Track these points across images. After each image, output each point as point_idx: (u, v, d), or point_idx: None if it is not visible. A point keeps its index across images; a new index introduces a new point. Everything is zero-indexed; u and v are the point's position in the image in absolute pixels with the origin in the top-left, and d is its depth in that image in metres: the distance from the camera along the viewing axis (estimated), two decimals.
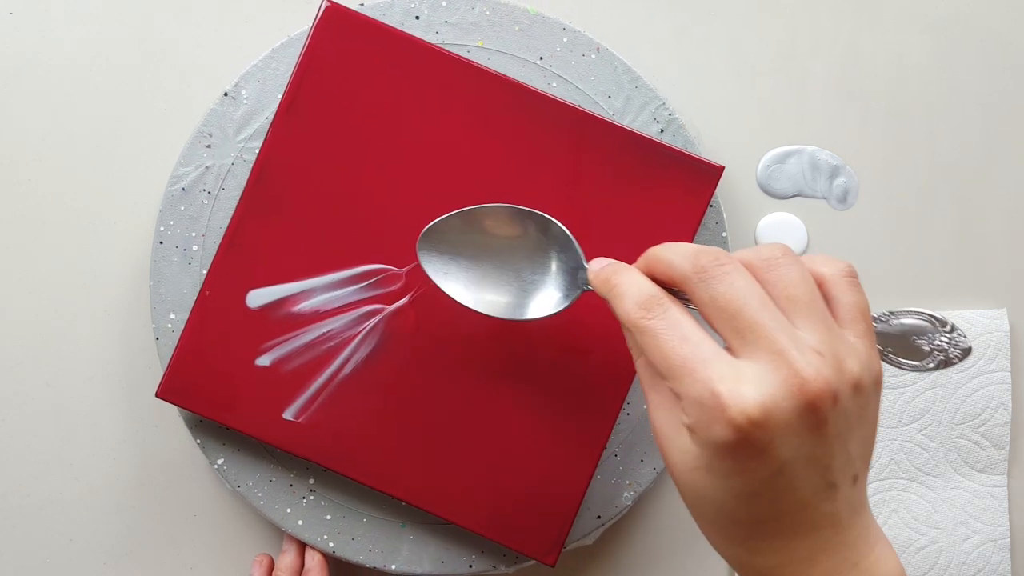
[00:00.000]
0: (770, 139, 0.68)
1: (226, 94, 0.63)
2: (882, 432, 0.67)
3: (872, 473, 0.67)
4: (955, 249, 0.69)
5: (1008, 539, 0.69)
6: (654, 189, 0.60)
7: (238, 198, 0.61)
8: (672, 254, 0.44)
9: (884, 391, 0.66)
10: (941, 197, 0.68)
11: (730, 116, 0.68)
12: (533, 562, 0.64)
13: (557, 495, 0.61)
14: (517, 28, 0.63)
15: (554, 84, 0.63)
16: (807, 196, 0.68)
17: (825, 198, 0.68)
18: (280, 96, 0.62)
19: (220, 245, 0.60)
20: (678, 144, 0.63)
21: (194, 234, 0.63)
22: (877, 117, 0.68)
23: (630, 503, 0.64)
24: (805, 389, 0.39)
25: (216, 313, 0.60)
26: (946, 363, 0.49)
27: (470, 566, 0.64)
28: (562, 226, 0.52)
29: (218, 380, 0.60)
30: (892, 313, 0.48)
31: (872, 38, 0.68)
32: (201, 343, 0.60)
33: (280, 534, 0.68)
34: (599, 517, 0.64)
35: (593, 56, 0.63)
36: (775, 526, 0.42)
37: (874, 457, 0.67)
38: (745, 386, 0.39)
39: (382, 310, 0.60)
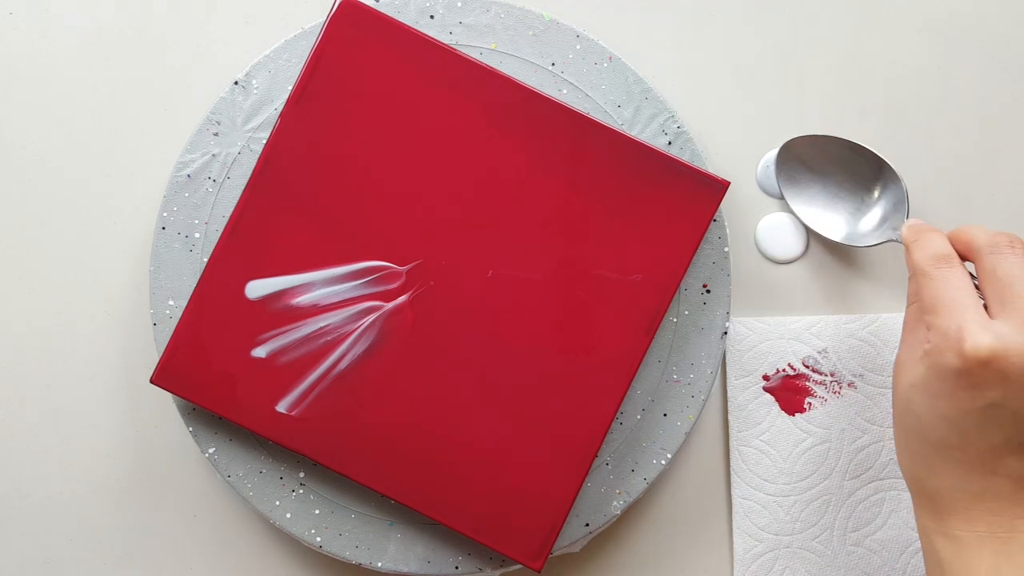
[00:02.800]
0: (770, 139, 0.67)
1: (236, 83, 0.63)
2: (881, 432, 0.67)
3: (871, 472, 0.67)
4: None
5: None
6: (659, 201, 0.60)
7: (243, 187, 0.61)
8: (975, 229, 0.54)
9: (883, 391, 0.67)
10: (941, 197, 0.68)
11: (730, 116, 0.68)
12: (519, 566, 0.64)
13: (546, 500, 0.61)
14: (531, 33, 0.63)
15: (564, 91, 0.63)
16: None
17: None
18: (290, 87, 0.62)
19: (222, 234, 0.60)
20: (685, 157, 0.63)
21: (197, 221, 0.63)
22: (877, 117, 0.68)
23: (619, 512, 0.64)
24: None
25: (215, 302, 0.60)
26: None
27: (456, 567, 0.64)
28: (893, 166, 0.63)
29: (213, 369, 0.60)
30: None
31: (872, 38, 0.68)
32: (198, 331, 0.60)
33: (281, 536, 0.68)
34: (587, 525, 0.64)
35: (605, 65, 0.63)
36: (959, 455, 0.50)
37: (874, 456, 0.67)
38: (987, 333, 0.47)
39: (380, 307, 0.60)
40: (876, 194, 0.65)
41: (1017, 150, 0.68)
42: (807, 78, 0.68)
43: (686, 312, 0.64)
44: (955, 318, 0.49)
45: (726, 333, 0.64)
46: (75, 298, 0.67)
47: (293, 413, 0.60)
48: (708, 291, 0.64)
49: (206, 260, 0.62)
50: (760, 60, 0.67)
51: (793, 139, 0.65)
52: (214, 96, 0.65)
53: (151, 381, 0.60)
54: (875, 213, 0.65)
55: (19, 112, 0.66)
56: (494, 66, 0.60)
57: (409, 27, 0.59)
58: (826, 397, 0.67)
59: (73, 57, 0.66)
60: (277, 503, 0.63)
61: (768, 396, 0.66)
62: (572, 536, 0.64)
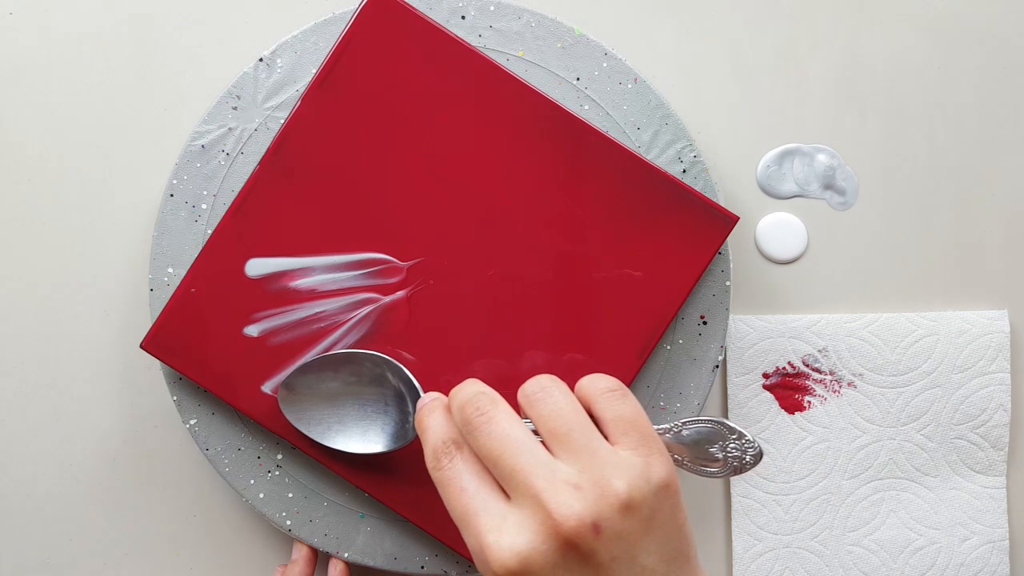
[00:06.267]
0: (770, 139, 0.68)
1: (261, 59, 0.63)
2: (881, 431, 0.67)
3: (870, 472, 0.68)
4: (955, 249, 0.69)
5: (1007, 541, 0.69)
6: (667, 227, 0.60)
7: (256, 164, 0.61)
8: (453, 402, 0.47)
9: (883, 390, 0.67)
10: (941, 197, 0.68)
11: (730, 116, 0.68)
12: None
13: None
14: (559, 45, 0.63)
15: (586, 107, 0.63)
16: (807, 196, 0.68)
17: (825, 198, 0.68)
18: (314, 71, 0.62)
19: (229, 208, 0.60)
20: (698, 187, 0.63)
21: (205, 192, 0.63)
22: (877, 117, 0.68)
23: None
24: (560, 529, 0.41)
25: (214, 275, 0.60)
26: (740, 469, 0.50)
27: (422, 567, 0.63)
28: (400, 366, 0.57)
29: (204, 341, 0.60)
30: (683, 424, 0.49)
31: (872, 38, 0.68)
32: (194, 302, 0.60)
33: (281, 535, 0.68)
34: None
35: (629, 86, 0.63)
36: None
37: (873, 456, 0.68)
38: (505, 538, 0.41)
39: (377, 300, 0.60)
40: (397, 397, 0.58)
41: (1017, 150, 0.68)
42: (807, 78, 0.68)
43: (680, 341, 0.64)
44: (472, 533, 0.43)
45: (718, 367, 0.64)
46: (77, 303, 0.67)
47: (278, 395, 0.60)
48: (705, 323, 0.64)
49: (210, 232, 0.62)
50: (760, 60, 0.68)
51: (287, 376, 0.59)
52: (238, 72, 0.65)
53: (141, 346, 0.60)
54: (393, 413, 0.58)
55: (20, 108, 0.66)
56: (519, 74, 0.60)
57: (439, 25, 0.59)
58: (826, 396, 0.67)
59: (97, 29, 0.66)
60: (252, 482, 0.63)
61: (768, 394, 0.67)
62: None
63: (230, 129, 0.63)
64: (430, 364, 0.60)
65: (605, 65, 0.63)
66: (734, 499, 0.67)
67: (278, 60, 0.63)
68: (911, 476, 0.68)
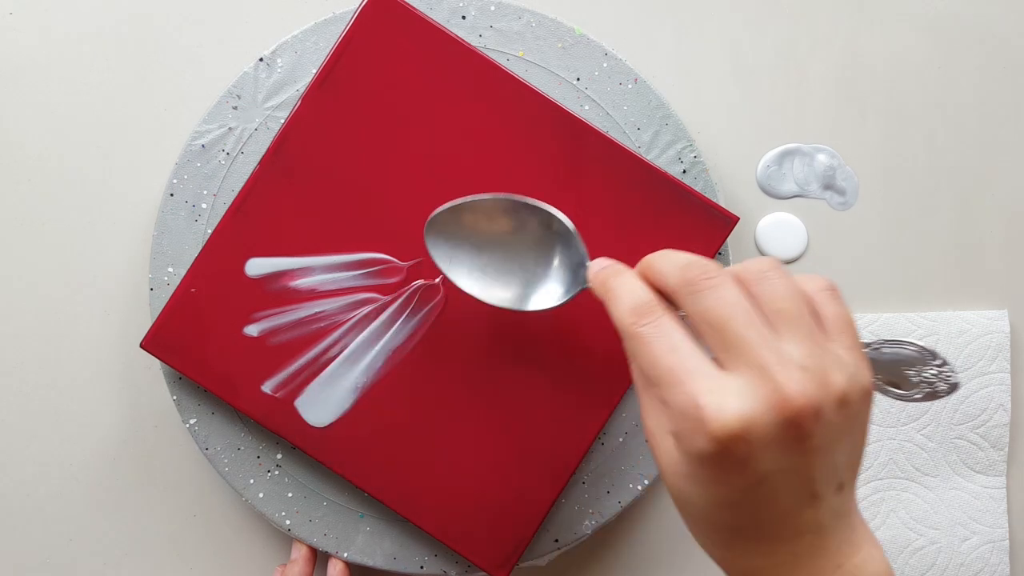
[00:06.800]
0: (770, 139, 0.68)
1: (262, 59, 0.63)
2: (881, 431, 0.67)
3: (871, 472, 0.68)
4: (955, 249, 0.69)
5: (1007, 541, 0.69)
6: (666, 227, 0.60)
7: (256, 164, 0.61)
8: (664, 264, 0.45)
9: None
10: (941, 197, 0.68)
11: (730, 116, 0.68)
12: (483, 574, 0.64)
13: (519, 513, 0.61)
14: (560, 45, 0.63)
15: (586, 107, 0.63)
16: (807, 196, 0.68)
17: (825, 198, 0.68)
18: (314, 70, 0.62)
19: (229, 207, 0.60)
20: (698, 187, 0.63)
21: (206, 192, 0.63)
22: (877, 117, 0.68)
23: (589, 532, 0.64)
24: (787, 405, 0.40)
25: (214, 274, 0.60)
26: (933, 395, 0.49)
27: (421, 567, 0.63)
28: (566, 221, 0.52)
29: (204, 341, 0.60)
30: (884, 342, 0.48)
31: (872, 38, 0.68)
32: (194, 301, 0.60)
33: (280, 535, 0.68)
34: (557, 541, 0.64)
35: (630, 86, 0.63)
36: (756, 532, 0.43)
37: (873, 456, 0.68)
38: (727, 400, 0.40)
39: (377, 300, 0.60)
40: (555, 257, 0.54)
41: (1017, 150, 0.68)
42: (807, 78, 0.68)
43: None
44: (685, 391, 0.41)
45: None
46: (77, 303, 0.67)
47: (278, 395, 0.60)
48: None
49: (210, 232, 0.62)
50: (760, 60, 0.68)
51: (439, 212, 0.54)
52: (238, 72, 0.65)
53: (141, 346, 0.60)
54: (556, 271, 0.54)
55: (20, 108, 0.66)
56: (519, 74, 0.60)
57: (439, 25, 0.59)
58: None
59: (97, 29, 0.66)
60: (251, 481, 0.63)
61: None
62: (540, 551, 0.64)
63: (230, 129, 0.63)
64: (430, 364, 0.60)
65: (605, 65, 0.63)
66: None
67: (278, 60, 0.63)
68: (911, 476, 0.68)
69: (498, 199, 0.53)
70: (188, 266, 0.62)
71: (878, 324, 0.67)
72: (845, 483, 0.43)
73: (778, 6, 0.67)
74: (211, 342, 0.60)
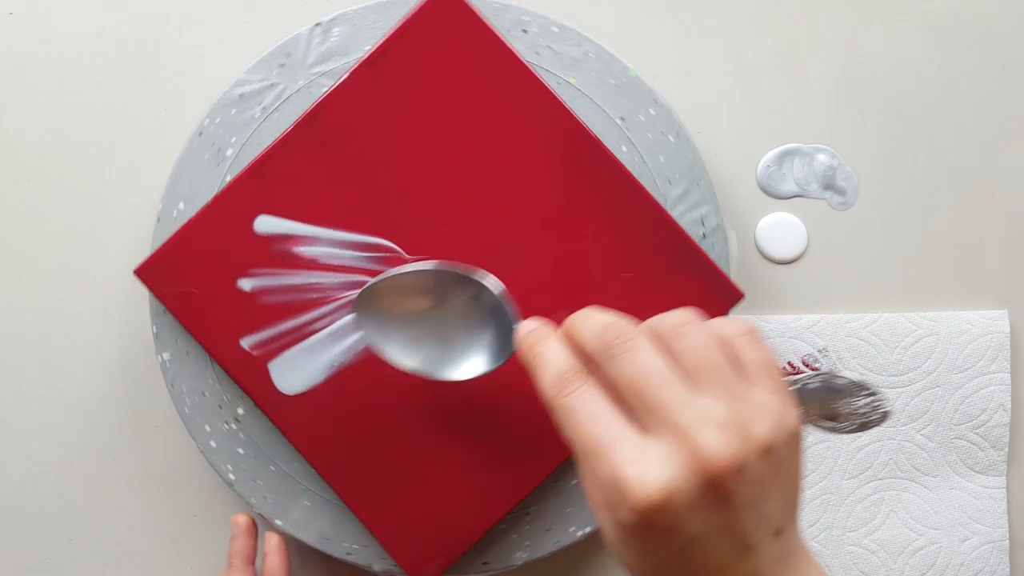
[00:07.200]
0: (770, 139, 0.68)
1: (319, 24, 0.62)
2: (881, 431, 0.67)
3: (870, 472, 0.67)
4: (955, 249, 0.69)
5: (1007, 541, 0.69)
6: (669, 286, 0.60)
7: (289, 124, 0.60)
8: (583, 327, 0.44)
9: (884, 389, 0.67)
10: (941, 197, 0.69)
11: (730, 116, 0.68)
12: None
13: (457, 527, 0.61)
14: (612, 82, 0.63)
15: (624, 148, 0.63)
16: (807, 196, 0.68)
17: (825, 198, 0.68)
18: (367, 48, 0.62)
19: (253, 161, 0.60)
20: (713, 255, 0.63)
21: (234, 140, 0.62)
22: (876, 117, 0.68)
23: (519, 563, 0.64)
24: (707, 467, 0.40)
25: (223, 221, 0.59)
26: (865, 426, 0.49)
27: (348, 554, 0.63)
28: (495, 291, 0.51)
29: (197, 282, 0.60)
30: (811, 377, 0.48)
31: (872, 38, 0.68)
32: (197, 242, 0.59)
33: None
34: (486, 563, 0.63)
35: (671, 139, 0.63)
36: None
37: (873, 456, 0.68)
38: (648, 470, 0.40)
39: None
40: (487, 324, 0.53)
41: (1017, 150, 0.69)
42: (807, 78, 0.68)
43: None
44: (609, 463, 0.40)
45: None
46: (77, 303, 0.67)
47: (255, 352, 0.60)
48: None
49: (230, 179, 0.61)
50: (760, 60, 0.68)
51: (373, 283, 0.53)
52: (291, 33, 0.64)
53: (134, 272, 0.60)
54: (487, 337, 0.53)
55: (21, 108, 0.67)
56: (566, 101, 0.60)
57: (499, 35, 0.59)
58: None
59: (97, 29, 0.67)
60: (207, 428, 0.63)
61: None
62: (467, 568, 0.63)
63: (272, 85, 0.63)
64: None
65: (652, 112, 0.63)
66: None
67: (334, 29, 0.63)
68: (911, 476, 0.68)
69: (424, 271, 0.52)
70: (199, 206, 0.61)
71: (878, 324, 0.67)
72: (783, 527, 0.43)
73: (778, 6, 0.68)
74: (203, 285, 0.60)
